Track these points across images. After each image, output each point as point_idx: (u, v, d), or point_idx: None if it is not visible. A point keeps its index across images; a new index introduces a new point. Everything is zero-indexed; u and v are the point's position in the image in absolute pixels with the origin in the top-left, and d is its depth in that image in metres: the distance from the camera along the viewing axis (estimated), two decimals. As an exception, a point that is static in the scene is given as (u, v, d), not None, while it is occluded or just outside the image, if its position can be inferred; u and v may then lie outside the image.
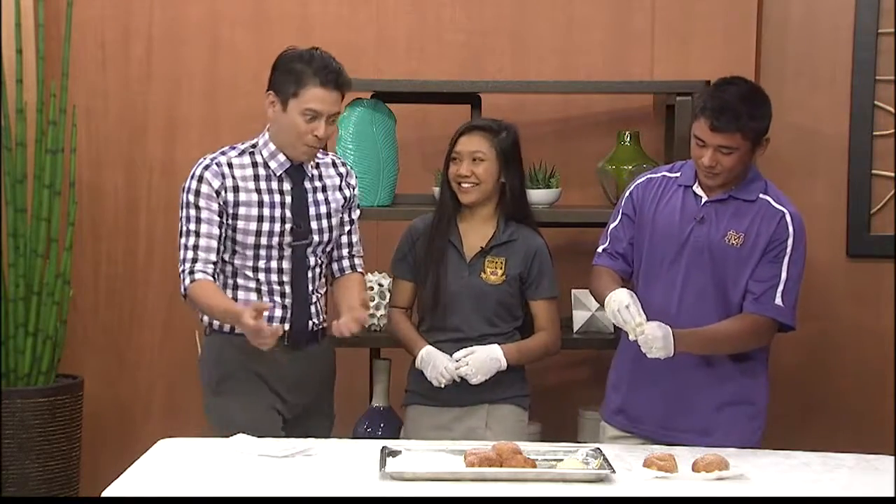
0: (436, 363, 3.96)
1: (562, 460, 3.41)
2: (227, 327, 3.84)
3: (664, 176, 3.84)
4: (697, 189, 3.75)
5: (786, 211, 3.72)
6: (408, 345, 4.07)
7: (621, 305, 3.59)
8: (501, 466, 3.30)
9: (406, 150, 4.79)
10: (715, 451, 3.47)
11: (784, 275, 3.68)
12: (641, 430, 3.79)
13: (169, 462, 3.46)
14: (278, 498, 3.11)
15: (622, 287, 3.69)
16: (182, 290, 3.77)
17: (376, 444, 3.53)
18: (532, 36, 4.95)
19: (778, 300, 3.69)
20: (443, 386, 3.96)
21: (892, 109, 4.83)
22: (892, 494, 3.21)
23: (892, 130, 4.84)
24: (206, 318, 3.88)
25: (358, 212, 4.02)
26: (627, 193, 3.87)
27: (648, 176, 3.87)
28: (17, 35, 4.82)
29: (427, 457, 3.44)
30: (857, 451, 3.68)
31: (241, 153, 3.83)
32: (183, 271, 3.76)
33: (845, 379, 4.91)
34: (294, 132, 3.75)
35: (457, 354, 3.96)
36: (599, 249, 3.87)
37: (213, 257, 3.77)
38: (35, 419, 4.76)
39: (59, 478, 4.82)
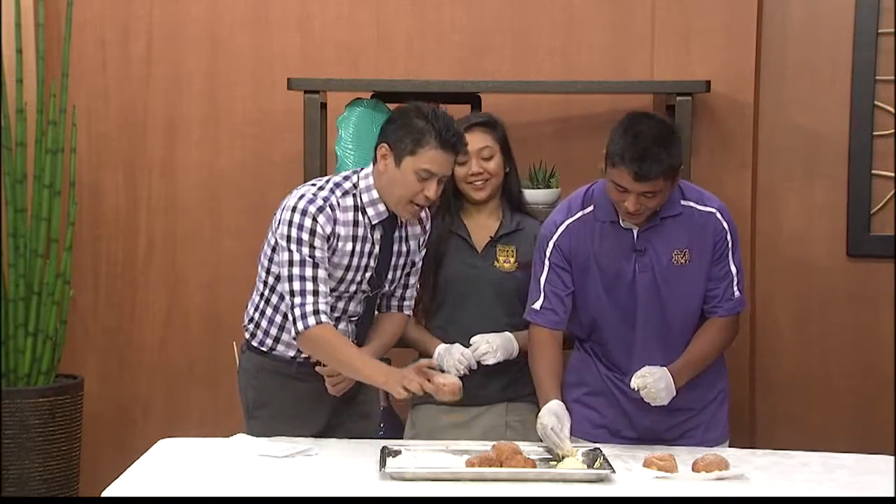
0: (452, 352, 3.94)
1: (562, 460, 3.42)
2: (265, 346, 3.78)
3: (581, 217, 3.73)
4: (624, 223, 3.68)
5: (713, 210, 3.71)
6: (421, 346, 4.05)
7: (546, 429, 3.52)
8: (501, 466, 3.31)
9: (406, 150, 4.79)
10: (715, 451, 3.48)
11: (733, 268, 3.72)
12: (625, 442, 3.74)
13: (169, 462, 3.47)
14: (278, 498, 3.12)
15: (555, 396, 3.62)
16: (301, 327, 3.58)
17: (376, 444, 3.53)
18: (532, 36, 4.95)
19: (736, 293, 3.73)
20: (461, 374, 3.94)
21: (892, 109, 4.82)
22: (892, 494, 3.21)
23: (892, 130, 4.84)
24: (251, 333, 3.81)
25: (423, 252, 3.90)
26: (552, 246, 3.73)
27: (566, 223, 3.74)
28: (17, 35, 4.82)
29: (427, 457, 3.44)
30: (857, 451, 3.68)
31: (345, 194, 3.67)
32: (302, 306, 3.58)
33: (845, 379, 4.90)
34: (404, 190, 3.62)
35: (474, 339, 3.94)
36: (536, 306, 3.75)
37: (329, 297, 3.64)
38: (35, 419, 4.76)
39: (59, 478, 4.82)
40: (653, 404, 3.60)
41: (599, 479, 3.27)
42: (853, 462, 3.55)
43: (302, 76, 4.74)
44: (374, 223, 3.70)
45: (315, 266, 3.60)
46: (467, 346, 3.95)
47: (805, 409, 4.91)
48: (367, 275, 3.73)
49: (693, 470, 3.35)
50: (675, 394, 3.60)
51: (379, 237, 3.73)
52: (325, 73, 4.87)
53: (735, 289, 3.72)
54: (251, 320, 3.82)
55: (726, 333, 3.76)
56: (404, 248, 3.81)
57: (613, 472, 3.29)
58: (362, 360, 3.62)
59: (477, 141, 4.02)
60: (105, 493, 3.15)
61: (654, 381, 3.57)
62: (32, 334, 4.85)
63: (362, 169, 3.75)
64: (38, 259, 4.86)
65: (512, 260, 4.02)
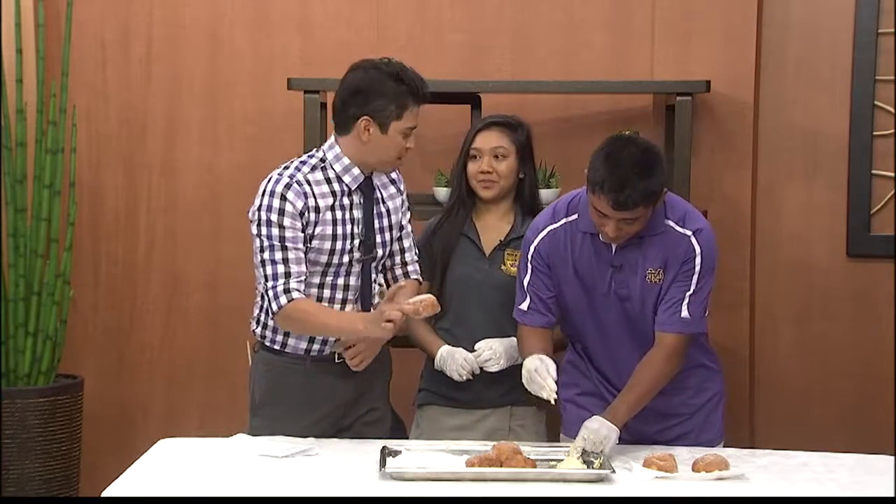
0: (454, 357, 3.94)
1: (562, 460, 3.42)
2: (277, 344, 3.76)
3: (565, 224, 3.72)
4: (603, 237, 3.65)
5: (688, 233, 3.64)
6: (425, 346, 4.05)
7: (531, 372, 3.56)
8: (501, 466, 3.31)
9: (406, 149, 4.79)
10: (715, 451, 3.48)
11: (692, 288, 3.63)
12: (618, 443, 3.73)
13: (169, 462, 3.47)
14: (278, 498, 3.12)
15: (536, 353, 3.63)
16: (276, 308, 3.62)
17: (376, 444, 3.53)
18: (532, 36, 4.95)
19: (684, 313, 3.63)
20: (463, 379, 3.94)
21: (892, 109, 4.83)
22: (892, 494, 3.21)
23: (892, 130, 4.84)
24: (258, 331, 3.78)
25: (409, 215, 3.92)
26: (533, 249, 3.73)
27: (550, 228, 3.73)
28: (17, 35, 4.82)
29: (427, 457, 3.44)
30: (857, 451, 3.68)
31: (313, 169, 3.72)
32: (274, 288, 3.62)
33: (845, 379, 4.91)
34: (394, 151, 3.69)
35: (478, 344, 3.94)
36: (523, 307, 3.75)
37: (303, 276, 3.66)
38: (35, 419, 4.76)
39: (59, 478, 4.82)
40: (607, 449, 3.52)
41: (599, 479, 3.27)
42: (853, 462, 3.55)
43: (302, 76, 4.75)
44: (352, 188, 3.73)
45: (284, 249, 3.64)
46: (471, 348, 3.95)
47: (805, 409, 4.91)
48: (356, 242, 3.74)
49: (693, 470, 3.36)
50: (619, 432, 3.53)
51: (360, 201, 3.75)
52: (325, 73, 4.86)
53: (683, 307, 3.63)
54: (258, 322, 3.81)
55: (669, 361, 3.63)
56: (384, 209, 3.81)
57: (613, 472, 3.29)
58: (338, 318, 3.69)
59: (492, 140, 4.02)
60: (105, 493, 3.15)
61: (599, 440, 3.47)
62: (32, 334, 4.85)
63: (324, 144, 3.77)
64: (38, 259, 4.86)
65: None
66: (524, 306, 3.76)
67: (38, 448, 4.77)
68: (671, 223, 3.66)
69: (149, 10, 5.06)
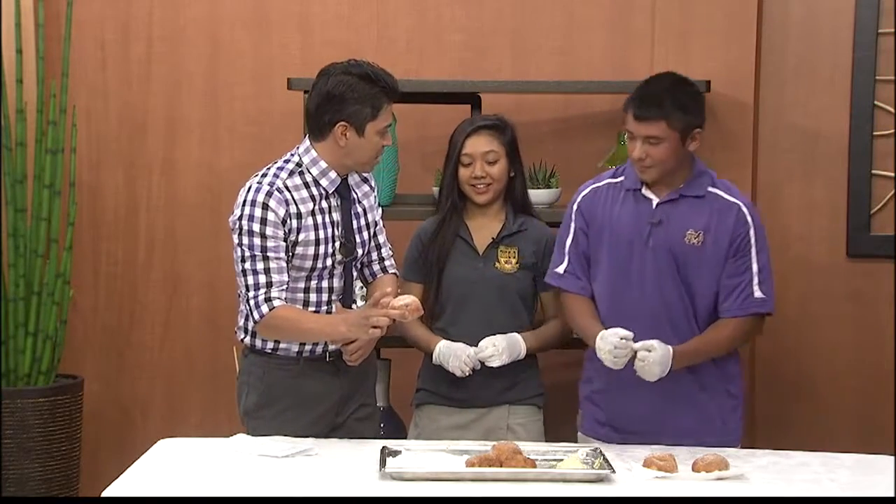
0: (456, 353, 3.94)
1: (562, 460, 3.42)
2: (268, 348, 3.76)
3: (608, 183, 3.84)
4: (647, 192, 3.75)
5: (740, 203, 3.74)
6: (422, 343, 4.05)
7: (613, 346, 3.59)
8: (501, 466, 3.31)
9: (406, 150, 4.79)
10: (715, 451, 3.48)
11: (755, 266, 3.72)
12: (629, 439, 3.74)
13: (169, 462, 3.47)
14: (278, 498, 3.12)
15: (600, 326, 3.68)
16: (257, 317, 3.64)
17: (376, 444, 3.53)
18: (532, 36, 4.95)
19: (758, 293, 3.72)
20: (466, 374, 3.94)
21: (892, 109, 4.82)
22: (892, 494, 3.21)
23: (892, 130, 4.84)
24: (247, 339, 3.78)
25: (380, 210, 3.96)
26: (575, 207, 3.85)
27: (593, 186, 3.86)
28: (17, 35, 4.82)
29: (427, 457, 3.44)
30: (857, 450, 3.68)
31: (291, 174, 3.72)
32: (255, 297, 3.63)
33: (845, 379, 4.90)
34: (372, 151, 3.71)
35: (481, 342, 3.94)
36: (560, 270, 3.82)
37: (285, 284, 3.67)
38: (35, 419, 4.76)
39: (59, 478, 4.82)
40: (647, 378, 3.61)
41: (599, 479, 3.27)
42: (853, 462, 3.55)
43: (302, 76, 4.74)
44: (329, 192, 3.74)
45: (266, 259, 3.64)
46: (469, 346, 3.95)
47: (805, 409, 4.91)
48: (337, 244, 3.76)
49: (693, 470, 3.35)
50: (665, 374, 3.61)
51: (338, 204, 3.77)
52: (325, 73, 4.86)
53: (755, 288, 3.72)
54: (246, 331, 3.79)
55: (740, 334, 3.75)
56: (360, 209, 3.84)
57: (613, 472, 3.29)
58: (319, 321, 3.70)
59: (482, 144, 4.02)
60: (105, 493, 3.15)
61: (656, 359, 3.58)
62: (32, 334, 4.85)
63: (298, 147, 3.78)
64: (38, 259, 4.86)
65: (514, 261, 4.02)
66: (561, 269, 3.83)
67: (38, 448, 4.77)
68: (717, 191, 3.75)
69: (149, 10, 5.06)
